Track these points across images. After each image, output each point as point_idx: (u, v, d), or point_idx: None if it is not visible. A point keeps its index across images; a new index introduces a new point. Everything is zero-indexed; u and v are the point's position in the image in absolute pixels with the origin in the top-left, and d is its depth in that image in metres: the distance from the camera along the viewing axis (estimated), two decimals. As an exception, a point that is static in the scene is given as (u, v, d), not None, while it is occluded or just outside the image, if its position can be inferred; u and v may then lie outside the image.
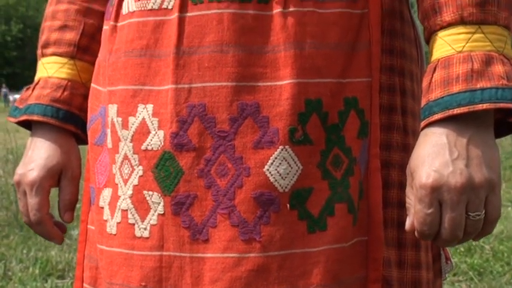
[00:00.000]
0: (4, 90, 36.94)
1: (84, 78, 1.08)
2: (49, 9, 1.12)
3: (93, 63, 1.07)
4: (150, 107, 0.88)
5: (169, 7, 0.87)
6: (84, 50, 1.08)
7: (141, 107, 0.88)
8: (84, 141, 1.08)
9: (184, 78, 0.85)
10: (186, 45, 0.86)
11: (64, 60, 1.08)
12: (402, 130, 0.93)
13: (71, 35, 1.08)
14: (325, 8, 0.87)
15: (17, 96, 38.94)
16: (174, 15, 0.87)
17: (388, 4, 0.93)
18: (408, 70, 0.95)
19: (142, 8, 0.90)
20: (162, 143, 0.86)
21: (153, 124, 0.87)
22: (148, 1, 0.89)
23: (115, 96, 0.92)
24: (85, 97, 1.07)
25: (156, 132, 0.87)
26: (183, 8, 0.86)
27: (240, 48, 0.85)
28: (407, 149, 0.93)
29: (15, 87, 42.41)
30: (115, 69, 0.92)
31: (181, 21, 0.86)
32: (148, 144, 0.87)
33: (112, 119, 0.92)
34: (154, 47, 0.88)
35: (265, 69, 0.85)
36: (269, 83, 0.85)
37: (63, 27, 1.09)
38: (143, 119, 0.88)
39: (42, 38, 1.10)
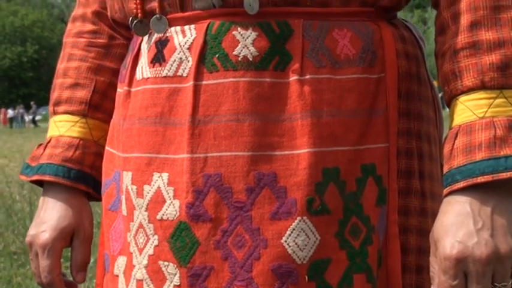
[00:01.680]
0: (21, 110, 37.24)
1: (96, 136, 1.08)
2: (60, 66, 1.12)
3: (104, 121, 1.07)
4: (165, 175, 0.86)
5: (184, 74, 0.87)
6: (96, 108, 1.08)
7: (156, 175, 0.87)
8: (96, 199, 1.08)
9: (199, 147, 0.84)
10: (201, 114, 0.85)
11: (76, 118, 1.07)
12: (420, 194, 0.92)
13: (82, 93, 1.08)
14: (342, 74, 0.86)
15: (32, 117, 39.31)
16: (190, 83, 0.86)
17: (404, 67, 0.92)
18: (425, 132, 0.94)
19: (157, 75, 0.89)
20: (178, 213, 0.85)
21: (168, 193, 0.86)
22: (163, 68, 0.88)
23: (129, 164, 0.91)
24: (97, 155, 1.06)
25: (171, 202, 0.86)
26: (198, 76, 0.85)
27: (256, 117, 0.84)
28: (425, 213, 0.92)
29: (31, 108, 42.79)
30: (129, 136, 0.91)
31: (196, 89, 0.85)
32: (163, 214, 0.86)
33: (127, 187, 0.91)
34: (169, 114, 0.87)
35: (282, 138, 0.84)
36: (286, 152, 0.84)
37: (74, 85, 1.08)
38: (158, 187, 0.87)
39: (54, 96, 1.10)
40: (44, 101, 48.21)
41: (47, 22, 56.82)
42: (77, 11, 1.14)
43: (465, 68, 0.83)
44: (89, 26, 1.11)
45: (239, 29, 0.85)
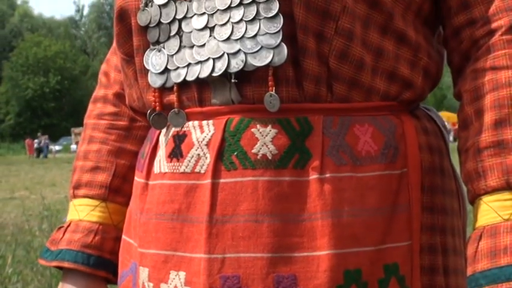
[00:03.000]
0: (46, 141, 37.46)
1: (116, 220, 1.07)
2: (81, 148, 1.11)
3: (125, 204, 1.06)
4: (182, 274, 0.85)
5: (202, 171, 0.85)
6: (116, 192, 1.08)
7: (173, 273, 0.86)
8: (116, 282, 1.06)
9: (217, 248, 0.82)
10: (219, 213, 0.83)
11: (95, 202, 1.07)
12: None
13: (102, 177, 1.07)
14: (363, 172, 0.84)
15: (56, 147, 39.58)
16: (207, 181, 0.84)
17: (427, 160, 0.90)
18: (450, 226, 0.91)
19: (175, 171, 0.87)
20: None
21: None
22: (181, 163, 0.87)
23: (146, 260, 0.89)
24: (116, 239, 1.05)
25: None
26: (216, 173, 0.84)
27: (275, 218, 0.82)
28: None
29: (53, 138, 43.20)
30: (146, 231, 0.90)
31: (214, 187, 0.83)
32: None
33: (143, 283, 0.89)
34: (187, 211, 0.85)
35: (302, 239, 0.82)
36: (306, 254, 0.81)
37: (94, 169, 1.08)
38: (175, 287, 0.85)
39: (74, 178, 1.10)
40: (65, 131, 48.69)
41: (70, 53, 57.49)
42: (98, 92, 1.14)
43: (489, 167, 0.81)
44: (110, 108, 1.11)
45: (258, 126, 0.84)
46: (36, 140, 37.03)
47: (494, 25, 0.86)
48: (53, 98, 53.24)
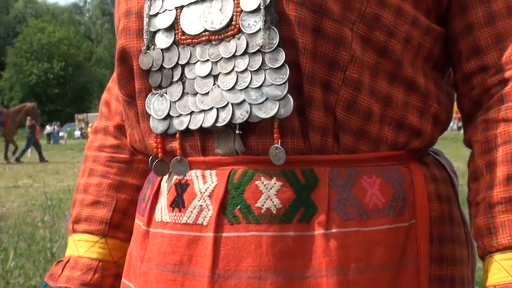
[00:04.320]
0: (56, 127, 37.30)
1: (116, 256, 1.05)
2: (81, 180, 1.09)
3: (126, 240, 1.04)
4: None
5: (205, 223, 0.83)
6: (116, 227, 1.06)
7: None
8: None
9: None
10: (221, 269, 0.81)
11: (95, 238, 1.05)
12: None
13: (102, 212, 1.05)
14: (370, 226, 0.82)
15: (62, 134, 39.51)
16: (209, 234, 0.82)
17: (436, 210, 0.87)
18: (459, 276, 0.89)
19: (176, 221, 0.85)
20: None
21: None
22: (183, 214, 0.84)
23: None
24: (116, 276, 1.04)
25: None
26: (218, 227, 0.81)
27: (279, 275, 0.79)
28: None
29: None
30: (147, 281, 0.87)
31: (216, 241, 0.81)
32: None
33: (144, 334, 0.87)
34: (188, 264, 0.83)
35: None
36: None
37: (95, 203, 1.06)
38: None
39: (74, 213, 1.08)
40: (69, 117, 48.68)
41: (74, 39, 57.32)
42: (99, 122, 1.11)
43: (501, 224, 0.78)
44: (111, 140, 1.09)
45: (262, 178, 0.81)
46: (47, 126, 36.79)
47: (507, 74, 0.83)
48: (56, 84, 53.11)
